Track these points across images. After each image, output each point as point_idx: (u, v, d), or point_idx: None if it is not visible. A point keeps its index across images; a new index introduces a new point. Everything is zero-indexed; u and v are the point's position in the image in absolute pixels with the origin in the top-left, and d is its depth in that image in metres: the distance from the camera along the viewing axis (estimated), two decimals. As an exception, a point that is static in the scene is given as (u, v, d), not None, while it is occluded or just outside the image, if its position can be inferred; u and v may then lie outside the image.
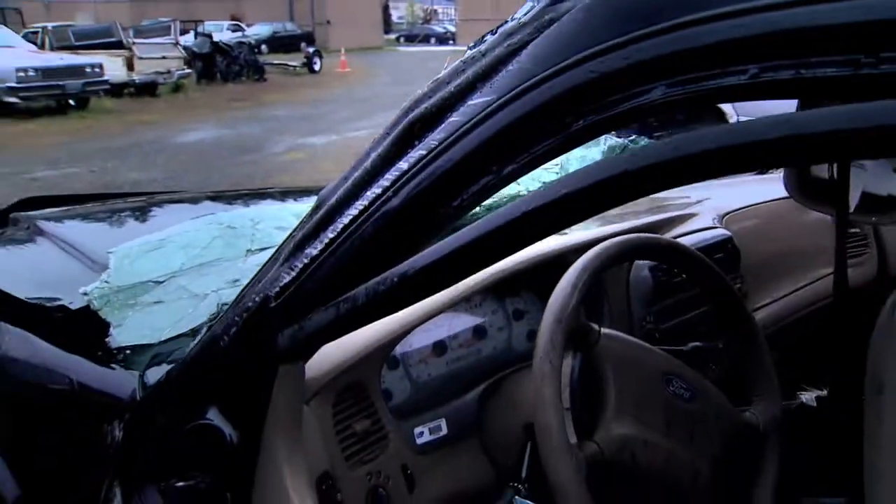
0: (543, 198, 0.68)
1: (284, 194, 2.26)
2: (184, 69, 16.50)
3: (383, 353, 1.16)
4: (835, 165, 1.09)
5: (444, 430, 1.22)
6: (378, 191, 0.80)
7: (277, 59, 22.57)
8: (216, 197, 2.31)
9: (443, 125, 0.77)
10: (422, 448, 1.19)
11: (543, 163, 0.73)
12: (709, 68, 0.61)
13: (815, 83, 0.56)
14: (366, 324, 0.83)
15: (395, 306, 0.80)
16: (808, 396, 1.18)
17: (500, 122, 0.72)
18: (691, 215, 1.67)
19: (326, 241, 0.84)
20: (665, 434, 1.08)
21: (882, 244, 2.05)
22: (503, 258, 0.75)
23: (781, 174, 2.22)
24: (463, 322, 1.33)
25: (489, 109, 0.72)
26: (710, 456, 1.11)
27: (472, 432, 1.25)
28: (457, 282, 0.78)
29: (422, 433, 1.20)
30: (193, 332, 1.26)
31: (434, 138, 0.77)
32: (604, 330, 1.10)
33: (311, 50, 22.40)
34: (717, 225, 1.67)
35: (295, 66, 21.49)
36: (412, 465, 1.16)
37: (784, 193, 1.96)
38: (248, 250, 1.58)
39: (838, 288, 1.08)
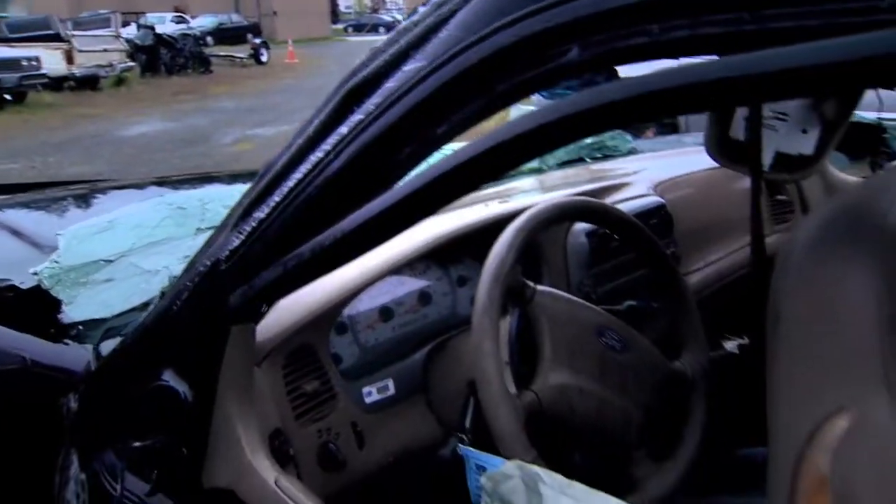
0: (475, 148, 0.73)
1: (233, 178, 2.29)
2: (126, 62, 16.21)
3: (330, 318, 1.21)
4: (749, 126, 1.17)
5: (392, 390, 1.27)
6: (320, 155, 0.85)
7: (223, 50, 22.26)
8: (161, 182, 2.33)
9: (379, 91, 0.82)
10: (370, 407, 1.25)
11: (474, 124, 0.79)
12: (617, 29, 0.67)
13: (707, 40, 0.63)
14: (313, 279, 0.88)
15: (340, 260, 0.85)
16: (731, 345, 1.26)
17: (432, 86, 0.77)
18: (625, 184, 1.75)
19: (273, 204, 0.88)
20: (599, 383, 1.15)
21: (808, 210, 2.16)
22: (444, 206, 0.81)
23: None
24: (408, 288, 1.39)
25: (421, 75, 0.78)
26: (642, 403, 1.19)
27: (418, 391, 1.31)
28: (399, 232, 0.83)
29: (370, 393, 1.25)
30: (146, 305, 1.30)
31: (371, 103, 0.82)
32: (539, 287, 1.17)
33: (257, 41, 22.18)
34: (651, 193, 1.75)
35: (242, 58, 21.24)
36: (361, 423, 1.22)
37: (713, 164, 2.06)
38: (197, 229, 1.62)
39: (755, 238, 1.15)
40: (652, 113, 0.68)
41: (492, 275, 1.08)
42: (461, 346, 1.31)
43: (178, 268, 1.39)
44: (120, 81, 15.71)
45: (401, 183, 0.83)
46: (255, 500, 0.97)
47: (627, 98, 0.66)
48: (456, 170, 0.77)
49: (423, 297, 1.41)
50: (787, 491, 0.76)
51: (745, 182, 2.04)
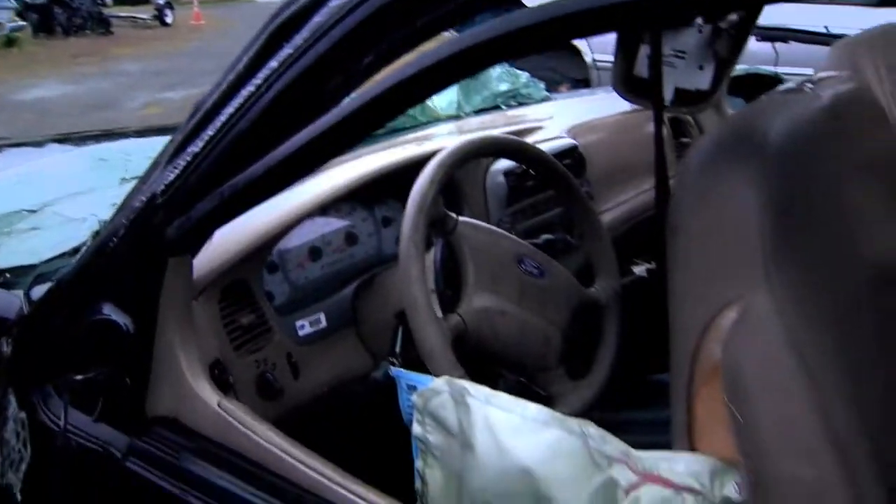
0: (402, 74, 0.79)
1: (140, 133, 2.27)
2: (17, 21, 15.39)
3: (261, 256, 1.25)
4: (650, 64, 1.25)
5: (324, 323, 1.33)
6: (252, 89, 0.89)
7: (124, 11, 21.38)
8: (63, 140, 2.29)
9: (307, 26, 0.87)
10: (304, 339, 1.30)
11: (398, 56, 0.85)
12: None
13: None
14: (249, 207, 0.93)
15: (275, 188, 0.90)
16: (640, 269, 1.36)
17: (356, 20, 0.83)
18: (540, 128, 1.83)
19: (207, 138, 0.92)
20: (519, 306, 1.23)
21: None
22: (374, 130, 0.86)
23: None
24: (335, 229, 1.44)
25: (346, 9, 0.83)
26: (559, 325, 1.28)
27: (348, 324, 1.37)
28: (331, 158, 0.89)
29: (303, 326, 1.31)
30: (76, 250, 1.31)
31: (300, 38, 0.87)
32: (461, 218, 1.24)
33: (161, 1, 21.37)
34: (565, 136, 1.83)
35: (145, 19, 20.44)
36: (296, 354, 1.27)
37: (623, 109, 2.16)
38: (122, 178, 1.63)
39: (658, 166, 1.24)
40: (560, 36, 0.75)
41: (416, 205, 1.14)
42: (388, 281, 1.37)
43: (106, 214, 1.40)
44: (10, 42, 14.90)
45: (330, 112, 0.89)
46: (199, 424, 1.02)
47: (537, 23, 0.72)
48: (382, 96, 0.83)
49: (350, 237, 1.46)
50: (686, 378, 0.86)
51: (652, 125, 2.16)
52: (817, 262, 0.85)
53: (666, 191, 1.24)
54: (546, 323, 1.26)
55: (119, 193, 1.49)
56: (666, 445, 1.25)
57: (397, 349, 1.25)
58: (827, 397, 0.77)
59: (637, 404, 1.47)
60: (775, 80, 2.56)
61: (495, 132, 1.74)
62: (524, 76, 2.21)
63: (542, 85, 2.28)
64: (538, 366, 1.26)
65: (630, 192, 1.98)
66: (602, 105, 2.18)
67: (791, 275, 0.80)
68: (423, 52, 0.81)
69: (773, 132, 0.83)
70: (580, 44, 5.69)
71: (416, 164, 1.43)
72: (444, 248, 1.22)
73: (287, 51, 0.87)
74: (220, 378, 1.11)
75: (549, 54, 5.24)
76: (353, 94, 0.87)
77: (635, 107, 2.17)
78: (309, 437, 1.05)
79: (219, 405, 1.00)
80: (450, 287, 1.20)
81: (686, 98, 1.23)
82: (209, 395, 1.01)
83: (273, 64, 0.88)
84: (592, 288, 1.37)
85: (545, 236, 1.50)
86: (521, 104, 2.21)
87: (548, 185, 1.43)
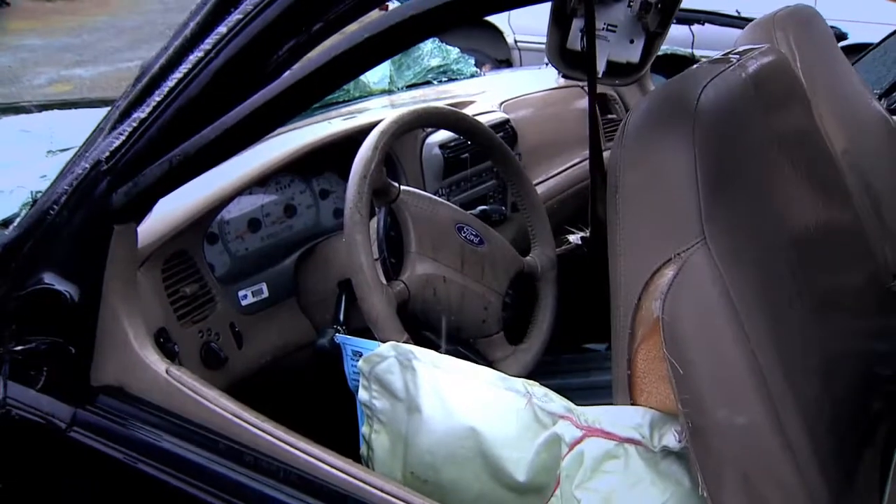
0: (350, 42, 0.81)
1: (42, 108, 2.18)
2: None
3: (201, 226, 1.25)
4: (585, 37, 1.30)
5: (266, 293, 1.34)
6: (200, 54, 0.89)
7: (25, -16, 20.37)
8: None
9: None
10: (246, 309, 1.31)
11: (348, 23, 0.86)
12: None
13: None
14: (198, 174, 0.93)
15: (225, 154, 0.91)
16: (574, 238, 1.41)
17: None
18: (472, 102, 1.86)
19: (154, 104, 0.92)
20: (460, 272, 1.26)
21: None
22: (319, 99, 0.88)
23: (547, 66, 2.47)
24: (274, 201, 1.44)
25: None
26: (498, 292, 1.32)
27: (291, 293, 1.38)
28: (282, 123, 0.90)
29: (245, 296, 1.31)
30: (6, 222, 1.28)
31: (249, 3, 0.87)
32: (402, 187, 1.26)
33: (64, -26, 20.46)
34: (497, 110, 1.87)
35: (47, -8, 19.56)
36: (239, 323, 1.28)
37: (551, 85, 2.21)
38: (48, 151, 1.59)
39: (593, 139, 1.29)
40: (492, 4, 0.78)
41: (359, 173, 1.16)
42: (329, 251, 1.39)
43: (37, 185, 1.37)
44: None
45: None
46: (147, 392, 1.02)
47: None
48: (328, 65, 0.84)
49: (289, 208, 1.47)
50: (627, 336, 0.90)
51: (580, 102, 2.21)
52: (744, 223, 0.90)
53: (600, 161, 1.29)
54: (486, 289, 1.30)
55: (47, 166, 1.46)
56: None
57: (341, 317, 1.27)
58: (754, 344, 0.82)
59: (573, 370, 1.53)
60: (692, 60, 2.65)
61: (419, 105, 1.76)
62: (455, 52, 2.23)
63: (472, 60, 2.31)
64: (478, 332, 1.29)
65: (559, 166, 2.03)
66: (530, 81, 2.22)
67: (723, 234, 0.85)
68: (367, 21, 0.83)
69: (704, 99, 0.87)
70: (502, 24, 5.74)
71: (353, 137, 1.44)
72: (386, 217, 1.24)
73: (236, 16, 0.88)
74: (166, 347, 1.10)
75: (471, 35, 5.28)
76: (302, 62, 0.88)
77: (562, 83, 2.24)
78: (255, 407, 1.06)
79: (167, 372, 1.00)
80: (393, 255, 1.22)
81: (617, 70, 1.28)
82: (157, 362, 1.01)
83: (222, 29, 0.88)
84: (529, 256, 1.41)
85: (481, 207, 1.53)
86: (451, 80, 2.24)
87: (485, 156, 1.46)
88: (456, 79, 2.24)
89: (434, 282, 1.22)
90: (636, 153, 0.89)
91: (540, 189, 1.90)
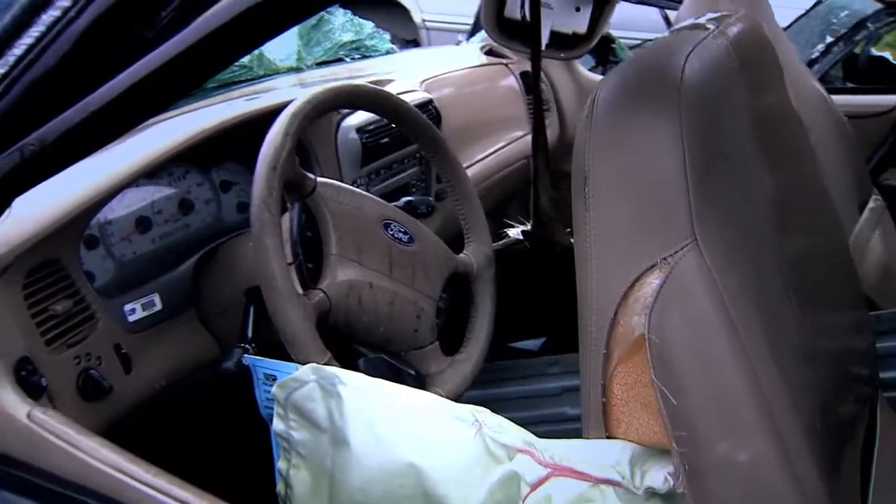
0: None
1: None
2: None
3: (77, 229, 1.04)
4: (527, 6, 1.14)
5: (159, 305, 1.13)
6: (57, 13, 0.69)
7: None
8: None
9: None
10: (135, 325, 1.10)
11: None
12: None
13: None
14: (61, 167, 0.73)
15: (95, 140, 0.71)
16: (514, 232, 1.26)
17: None
18: (391, 80, 1.68)
19: None
20: (389, 276, 1.09)
21: (561, 108, 2.24)
22: (217, 71, 0.69)
23: (469, 43, 2.32)
24: (167, 196, 1.24)
25: None
26: (432, 296, 1.15)
27: (189, 305, 1.18)
28: (166, 106, 0.70)
29: (133, 310, 1.10)
30: None
31: None
32: (319, 178, 1.08)
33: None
34: (418, 89, 1.69)
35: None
36: (126, 344, 1.07)
37: (475, 62, 2.05)
38: None
39: (536, 121, 1.13)
40: None
41: (268, 164, 0.97)
42: (234, 253, 1.19)
43: None
44: None
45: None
46: (4, 444, 0.82)
47: None
48: (229, 25, 0.66)
49: (184, 204, 1.26)
50: (601, 355, 0.75)
51: (505, 80, 2.06)
52: (733, 218, 0.77)
53: (543, 144, 1.13)
54: (418, 295, 1.13)
55: None
56: (539, 421, 1.15)
57: (250, 333, 1.08)
58: (754, 361, 0.69)
59: (507, 379, 1.38)
60: (608, 39, 2.55)
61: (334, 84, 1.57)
62: (369, 26, 2.04)
63: (387, 36, 2.13)
64: (410, 343, 1.12)
65: (485, 149, 1.88)
66: (451, 58, 2.06)
67: (714, 233, 0.71)
68: None
69: (689, 71, 0.73)
70: (409, 2, 5.55)
71: (258, 121, 1.25)
72: (301, 214, 1.05)
73: None
74: (30, 381, 0.89)
75: (376, 13, 5.07)
76: (195, 24, 0.69)
77: (484, 60, 2.08)
78: (148, 443, 0.87)
79: (29, 417, 0.80)
80: (310, 259, 1.04)
81: (562, 42, 1.13)
82: (16, 404, 0.81)
83: None
84: (463, 254, 1.24)
85: (405, 199, 1.35)
86: (365, 56, 2.05)
87: (409, 140, 1.28)
88: (370, 55, 2.05)
89: (359, 289, 1.05)
90: (610, 138, 0.74)
91: (473, 171, 1.75)
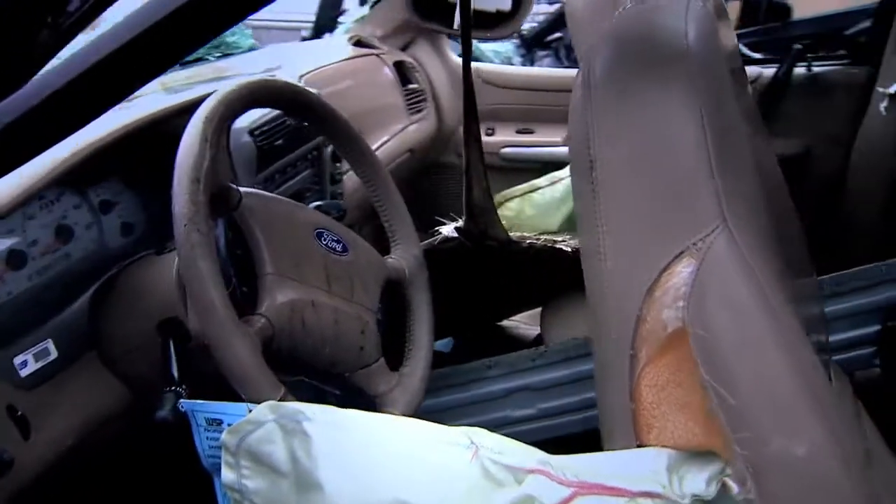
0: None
1: None
2: None
3: None
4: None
5: (53, 353, 0.96)
6: None
7: None
8: None
9: None
10: (29, 381, 0.92)
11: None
12: None
13: None
14: None
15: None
16: (447, 228, 1.17)
17: None
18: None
19: None
20: (328, 291, 0.97)
21: (437, 98, 2.16)
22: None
23: (335, 36, 2.20)
24: (40, 224, 1.05)
25: None
26: (371, 308, 1.05)
27: (87, 347, 1.01)
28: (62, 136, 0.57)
29: (24, 363, 0.92)
30: None
31: None
32: (243, 188, 0.94)
33: None
34: (301, 85, 1.57)
35: None
36: (21, 404, 0.90)
37: (346, 55, 1.94)
38: None
39: (467, 105, 1.04)
40: None
41: (189, 176, 0.83)
42: (138, 282, 1.03)
43: None
44: None
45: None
46: None
47: None
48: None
49: (62, 231, 1.08)
50: (626, 357, 0.68)
51: (380, 71, 1.96)
52: (746, 192, 0.72)
53: (475, 130, 1.05)
54: (360, 309, 1.02)
55: None
56: (484, 427, 1.08)
57: (175, 373, 0.93)
58: (797, 350, 0.64)
59: (452, 385, 1.29)
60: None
61: (218, 85, 1.42)
62: (229, 21, 1.88)
63: (249, 31, 1.97)
64: (356, 363, 1.01)
65: (372, 143, 1.78)
66: (322, 52, 1.93)
67: (737, 210, 0.66)
68: None
69: (691, 38, 0.67)
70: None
71: (133, 134, 1.09)
72: (227, 231, 0.92)
73: None
74: None
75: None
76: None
77: (352, 52, 1.97)
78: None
79: None
80: (244, 281, 0.90)
81: (486, 21, 1.04)
82: None
83: None
84: (391, 259, 1.14)
85: (315, 203, 1.23)
86: (226, 55, 1.89)
87: (329, 139, 1.16)
88: (232, 53, 1.89)
89: (301, 309, 0.92)
90: (617, 117, 0.67)
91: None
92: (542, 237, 1.18)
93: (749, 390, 0.61)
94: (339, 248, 1.02)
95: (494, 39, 1.04)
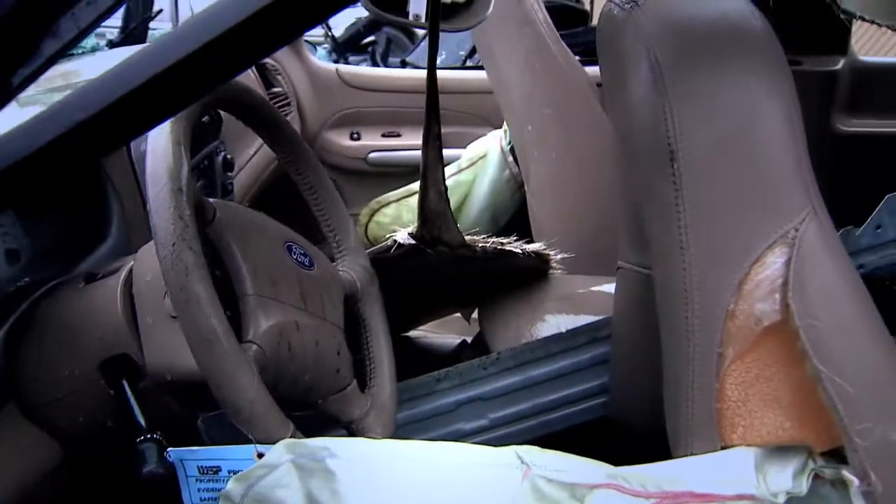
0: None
1: None
2: None
3: None
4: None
5: None
6: None
7: None
8: None
9: None
10: None
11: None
12: None
13: None
14: None
15: None
16: (401, 236, 1.08)
17: None
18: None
19: None
20: (306, 311, 0.87)
21: (300, 102, 2.06)
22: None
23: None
24: None
25: None
26: (340, 324, 0.95)
27: (6, 396, 0.83)
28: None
29: None
30: None
31: None
32: (213, 200, 0.82)
33: None
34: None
35: None
36: None
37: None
38: None
39: (430, 100, 0.97)
40: None
41: (170, 186, 0.70)
42: (67, 314, 0.86)
43: None
44: None
45: None
46: None
47: None
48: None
49: None
50: (713, 355, 0.65)
51: (248, 74, 1.82)
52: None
53: (437, 129, 0.98)
54: (333, 327, 0.92)
55: None
56: (453, 438, 1.04)
57: (141, 419, 0.79)
58: (886, 335, 0.64)
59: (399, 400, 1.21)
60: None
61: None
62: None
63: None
64: (332, 386, 0.91)
65: (241, 156, 1.65)
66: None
67: (819, 196, 0.65)
68: None
69: (760, 18, 0.66)
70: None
71: None
72: (203, 248, 0.79)
73: None
74: None
75: None
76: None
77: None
78: None
79: None
80: (227, 304, 0.78)
81: (444, 12, 0.97)
82: None
83: None
84: (341, 271, 1.04)
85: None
86: (69, 56, 1.67)
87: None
88: (73, 54, 1.68)
89: (288, 333, 0.81)
90: (698, 103, 0.64)
91: (244, 176, 1.52)
92: (490, 240, 1.13)
93: (859, 379, 0.61)
94: (307, 262, 0.91)
95: (452, 31, 0.97)
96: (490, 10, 1.00)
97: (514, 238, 1.17)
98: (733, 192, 0.63)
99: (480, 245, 1.12)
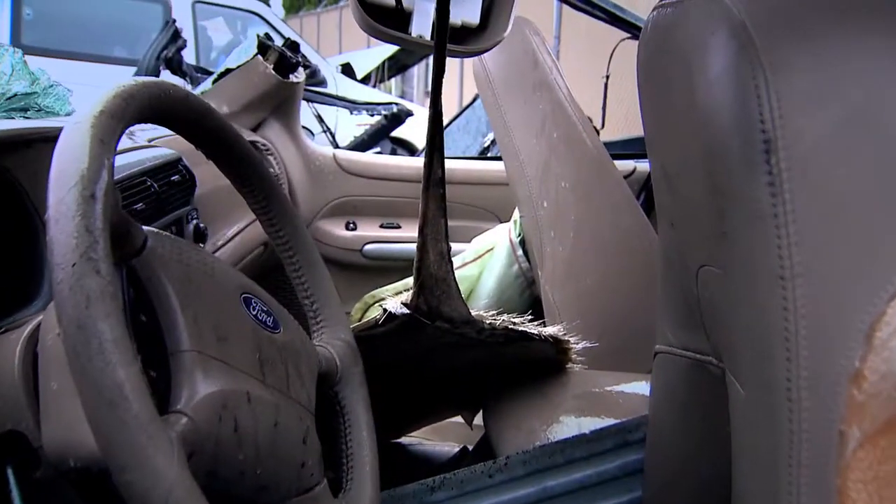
0: None
1: None
2: None
3: None
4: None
5: None
6: None
7: None
8: None
9: None
10: None
11: None
12: None
13: None
14: None
15: None
16: (392, 305, 0.89)
17: None
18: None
19: None
20: (263, 381, 0.67)
21: (291, 184, 1.91)
22: None
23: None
24: None
25: None
26: (309, 406, 0.74)
27: None
28: None
29: None
30: None
31: None
32: (146, 227, 0.63)
33: None
34: (146, 144, 1.26)
35: None
36: None
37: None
38: None
39: (431, 132, 0.80)
40: None
41: (80, 191, 0.52)
42: None
43: None
44: None
45: None
46: None
47: None
48: None
49: None
50: (832, 438, 0.45)
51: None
52: None
53: (441, 174, 0.81)
54: (299, 407, 0.72)
55: None
56: None
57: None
58: None
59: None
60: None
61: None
62: (45, 76, 1.53)
63: (66, 91, 1.62)
64: (295, 486, 0.70)
65: (240, 220, 1.49)
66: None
67: None
68: None
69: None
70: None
71: None
72: (126, 287, 0.60)
73: None
74: None
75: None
76: None
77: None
78: None
79: None
80: (150, 361, 0.58)
81: (453, 35, 0.83)
82: None
83: None
84: (318, 346, 0.85)
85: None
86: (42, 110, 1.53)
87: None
88: (45, 112, 1.54)
89: (234, 406, 0.61)
90: (811, 73, 0.46)
91: (224, 256, 1.34)
92: (500, 318, 0.94)
93: None
94: (269, 321, 0.72)
95: (466, 55, 0.85)
96: (509, 30, 0.85)
97: (529, 318, 0.98)
98: (860, 196, 0.45)
99: (488, 322, 0.93)
